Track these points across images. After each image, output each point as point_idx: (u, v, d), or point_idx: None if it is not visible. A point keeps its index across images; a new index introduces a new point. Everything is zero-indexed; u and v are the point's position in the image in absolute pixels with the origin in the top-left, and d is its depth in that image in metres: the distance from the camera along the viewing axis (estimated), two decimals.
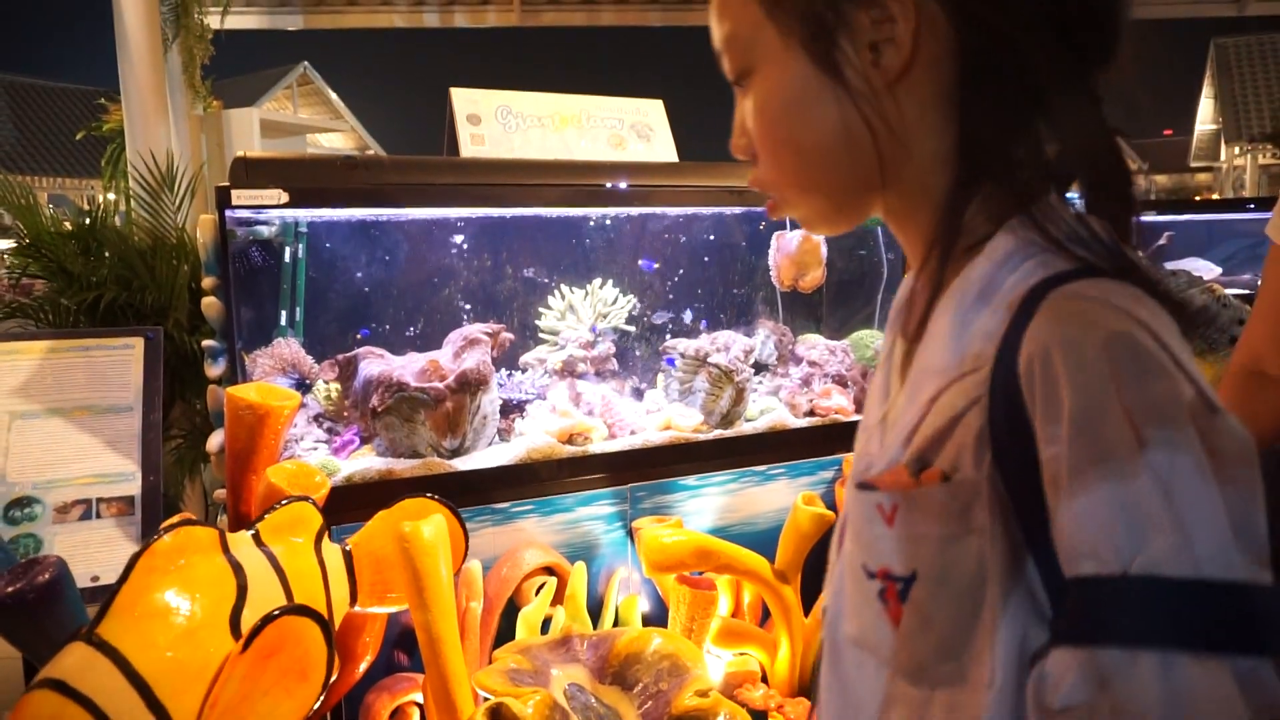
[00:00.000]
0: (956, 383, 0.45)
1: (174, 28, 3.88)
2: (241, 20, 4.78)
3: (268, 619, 0.95)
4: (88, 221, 3.39)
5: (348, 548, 1.20)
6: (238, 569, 1.02)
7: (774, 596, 1.51)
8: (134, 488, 1.42)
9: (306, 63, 15.00)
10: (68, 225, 3.44)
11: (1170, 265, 5.14)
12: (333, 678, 1.01)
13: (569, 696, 1.22)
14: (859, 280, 1.99)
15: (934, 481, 0.45)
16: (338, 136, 14.81)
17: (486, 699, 1.15)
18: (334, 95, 15.46)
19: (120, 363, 1.53)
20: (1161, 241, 4.84)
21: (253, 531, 1.10)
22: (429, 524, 1.11)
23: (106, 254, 3.45)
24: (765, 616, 1.63)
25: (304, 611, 0.98)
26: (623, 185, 1.59)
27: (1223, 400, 0.40)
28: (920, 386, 0.48)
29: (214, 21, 4.07)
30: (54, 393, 1.48)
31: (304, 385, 1.63)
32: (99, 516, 1.39)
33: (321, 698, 1.00)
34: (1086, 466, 0.39)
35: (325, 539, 1.18)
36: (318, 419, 1.61)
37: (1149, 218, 4.77)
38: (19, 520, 1.34)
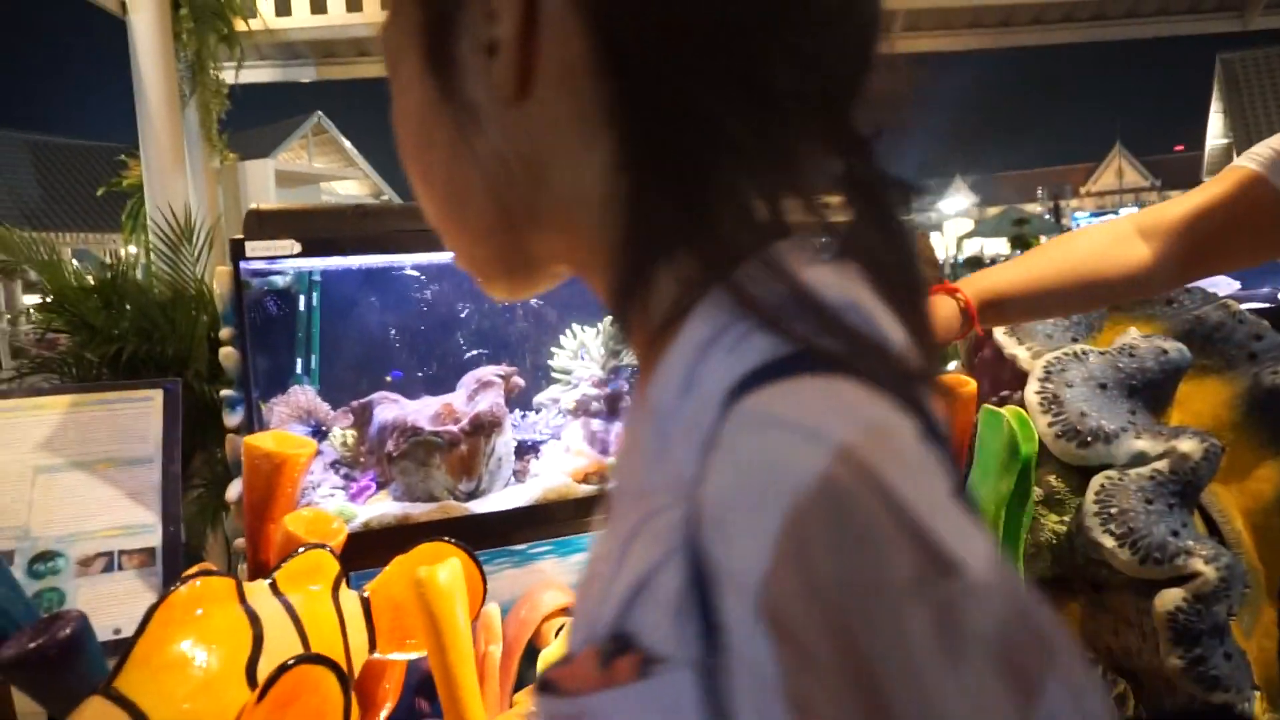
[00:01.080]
0: (651, 520, 0.33)
1: (191, 84, 3.99)
2: (255, 74, 4.90)
3: (283, 668, 0.95)
4: (109, 275, 3.46)
5: (365, 594, 1.20)
6: (254, 619, 1.02)
7: None
8: (155, 539, 1.44)
9: (320, 112, 15.32)
10: (90, 280, 3.52)
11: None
12: None
13: None
14: None
15: (627, 678, 0.31)
16: (352, 184, 15.08)
17: None
18: (347, 143, 15.75)
19: (141, 415, 1.55)
20: None
21: (270, 580, 1.10)
22: (445, 569, 1.11)
23: (128, 307, 3.52)
24: None
25: (319, 660, 0.98)
26: None
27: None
28: (619, 518, 0.37)
29: (229, 76, 4.17)
30: (77, 446, 1.50)
31: (320, 432, 1.64)
32: (121, 569, 1.40)
33: None
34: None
35: (343, 586, 1.18)
36: (334, 465, 1.62)
37: None
38: (43, 574, 1.35)
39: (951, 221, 31.86)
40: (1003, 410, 1.47)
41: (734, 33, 0.35)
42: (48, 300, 3.34)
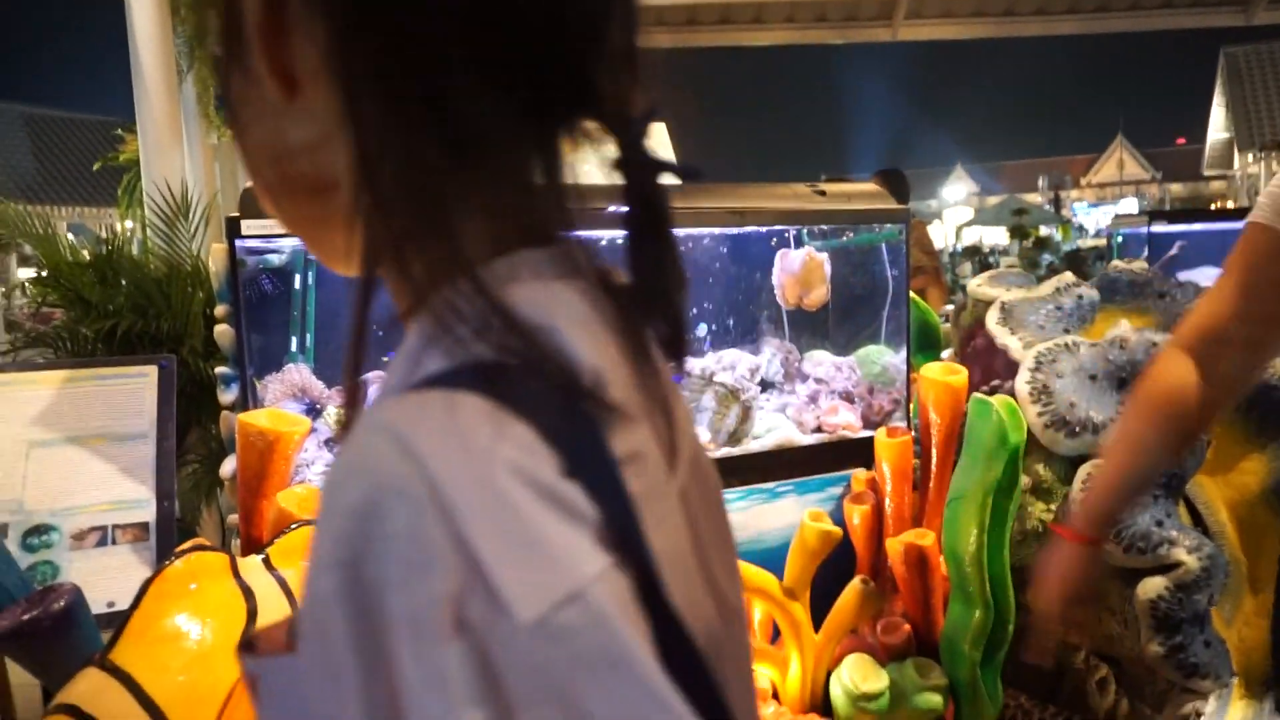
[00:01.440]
0: None
1: (188, 59, 3.96)
2: None
3: None
4: (105, 250, 3.45)
5: None
6: (248, 593, 1.03)
7: (783, 614, 1.51)
8: (149, 514, 1.45)
9: None
10: (85, 255, 3.51)
11: (1183, 275, 5.12)
12: None
13: None
14: (864, 296, 2.00)
15: (290, 648, 0.33)
16: None
17: None
18: None
19: (135, 391, 1.56)
20: (1173, 252, 4.82)
21: (263, 556, 1.12)
22: None
23: (123, 282, 3.51)
24: (776, 634, 1.64)
25: None
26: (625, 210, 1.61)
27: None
28: None
29: None
30: (71, 421, 1.51)
31: (315, 410, 1.65)
32: (115, 543, 1.41)
33: None
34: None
35: None
36: (328, 443, 1.63)
37: (1160, 228, 4.76)
38: (36, 547, 1.36)
39: (952, 210, 31.82)
40: (992, 400, 1.48)
41: (453, 37, 0.36)
42: (43, 274, 3.33)
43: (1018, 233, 14.97)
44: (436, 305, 0.35)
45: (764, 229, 1.87)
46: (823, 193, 1.80)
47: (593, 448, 0.33)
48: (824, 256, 1.85)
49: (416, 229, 0.36)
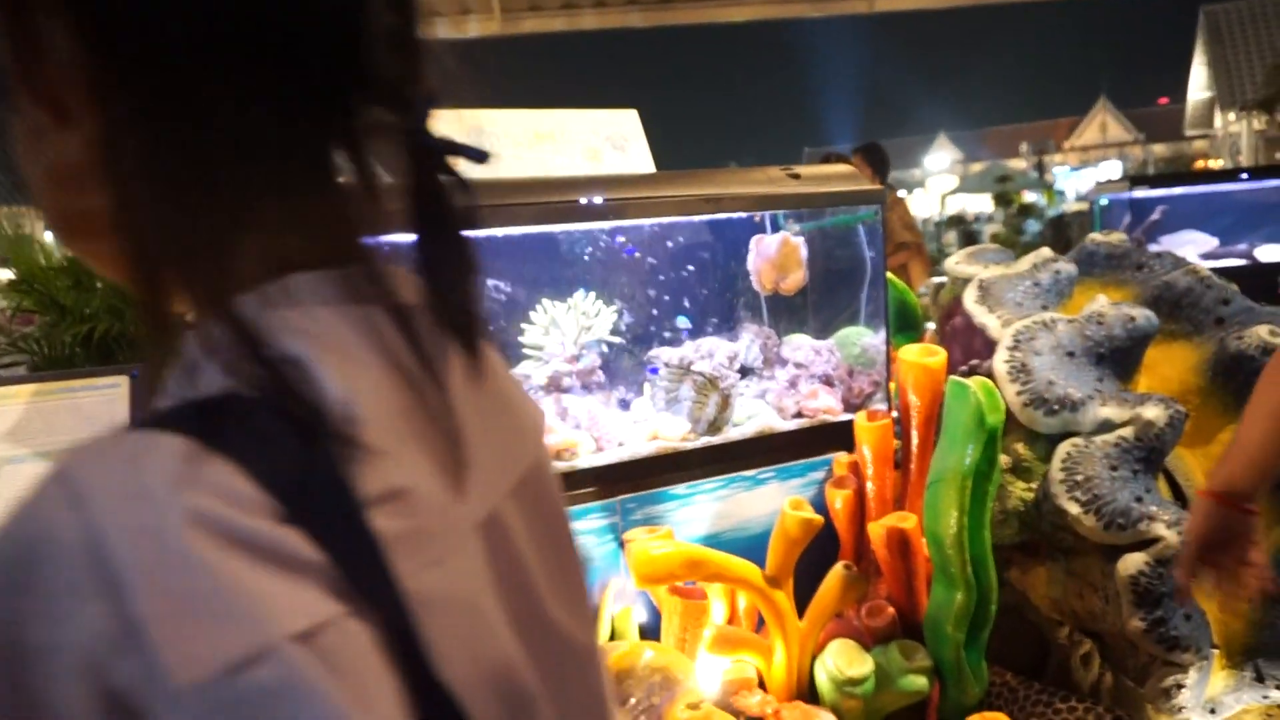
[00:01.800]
0: None
1: None
2: None
3: None
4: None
5: None
6: None
7: (766, 602, 1.51)
8: None
9: None
10: (60, 259, 3.46)
11: (1166, 238, 5.12)
12: None
13: None
14: (842, 278, 2.00)
15: None
16: None
17: None
18: None
19: (106, 402, 1.54)
20: (1155, 216, 4.82)
21: None
22: None
23: (99, 285, 3.47)
24: (761, 622, 1.64)
25: None
26: (597, 199, 1.60)
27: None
28: None
29: None
30: (43, 435, 1.49)
31: None
32: None
33: None
34: None
35: None
36: None
37: (1142, 193, 4.76)
38: None
39: (935, 178, 31.76)
40: (969, 381, 1.48)
41: (201, 46, 0.35)
42: (15, 280, 3.28)
43: (1001, 200, 14.96)
44: (197, 335, 0.34)
45: (737, 215, 1.86)
46: (796, 176, 1.78)
47: (326, 488, 0.31)
48: (800, 240, 1.83)
49: (177, 253, 0.35)
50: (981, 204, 20.70)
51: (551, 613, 0.40)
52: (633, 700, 1.25)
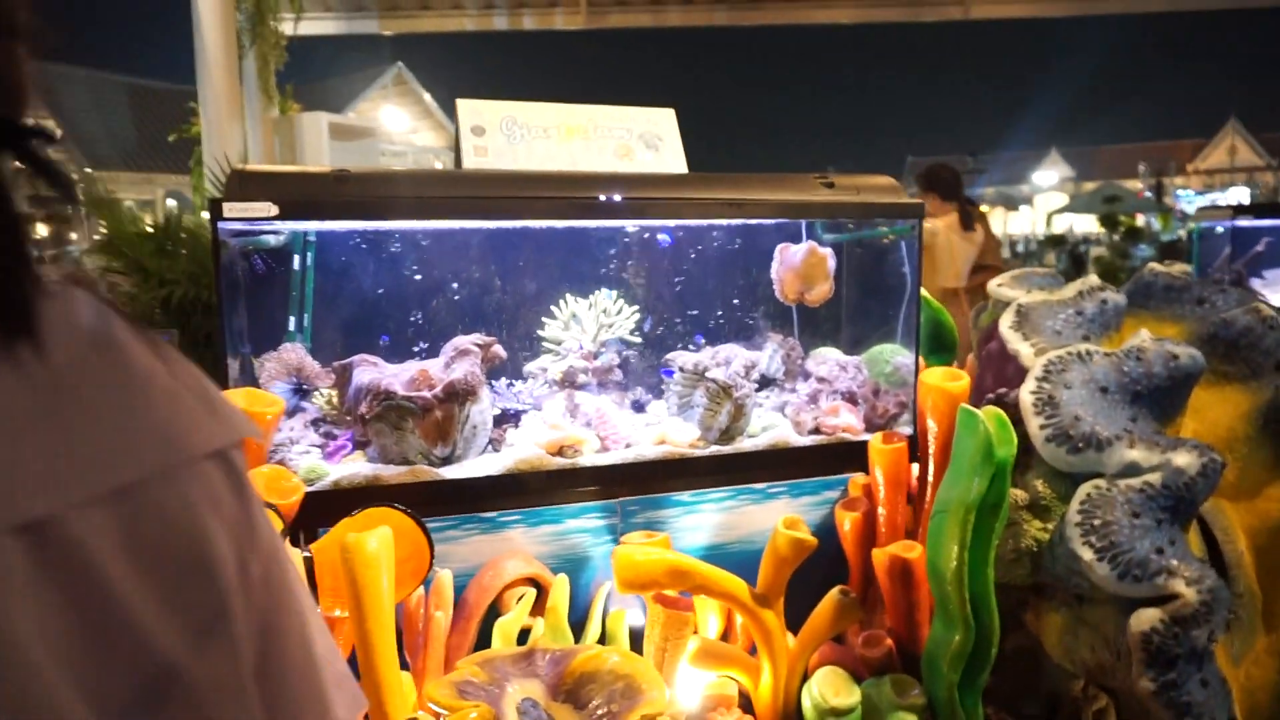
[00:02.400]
0: None
1: (250, 36, 4.07)
2: (319, 26, 4.97)
3: None
4: (164, 221, 3.59)
5: (308, 554, 1.23)
6: None
7: (753, 620, 1.48)
8: None
9: (401, 64, 15.47)
10: (147, 224, 3.65)
11: (1272, 273, 4.78)
12: None
13: (521, 712, 1.22)
14: (876, 293, 1.93)
15: None
16: (429, 135, 15.24)
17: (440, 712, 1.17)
18: (427, 96, 15.90)
19: None
20: (1259, 249, 4.51)
21: None
22: (374, 536, 1.13)
23: (182, 252, 3.64)
24: None
25: None
26: (617, 197, 1.58)
27: None
28: None
29: (289, 28, 4.24)
30: None
31: (304, 390, 1.68)
32: None
33: None
34: None
35: (285, 543, 1.21)
36: (316, 423, 1.66)
37: (1246, 222, 4.45)
38: None
39: (1043, 195, 30.53)
40: (979, 410, 1.41)
41: None
42: (104, 241, 3.48)
43: (1108, 221, 14.23)
44: None
45: (770, 221, 1.81)
46: (830, 184, 1.73)
47: None
48: (828, 251, 1.78)
49: None
50: (1091, 224, 19.77)
51: (150, 641, 0.37)
52: (592, 704, 1.23)
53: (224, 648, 0.40)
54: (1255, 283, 4.65)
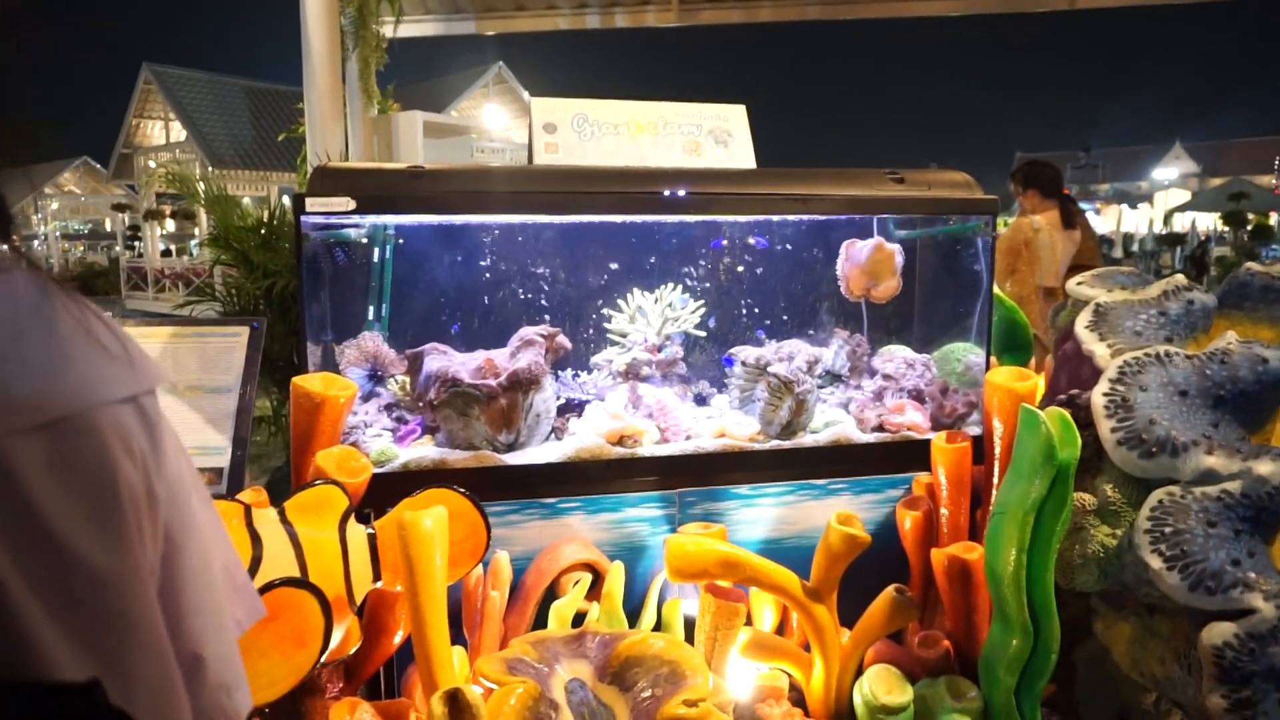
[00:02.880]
0: None
1: (353, 38, 4.25)
2: (419, 28, 5.15)
3: (265, 587, 1.06)
4: (268, 216, 3.79)
5: (371, 531, 1.30)
6: (256, 540, 1.14)
7: (804, 614, 1.48)
8: (223, 460, 1.61)
9: (501, 63, 15.82)
10: (253, 219, 3.87)
11: None
12: (329, 647, 1.11)
13: (569, 691, 1.26)
14: (948, 291, 1.89)
15: None
16: (527, 132, 15.51)
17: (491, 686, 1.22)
18: (526, 94, 16.21)
19: (227, 349, 1.73)
20: None
21: (280, 510, 1.22)
22: (429, 515, 1.19)
23: (286, 246, 3.84)
24: None
25: (300, 584, 1.08)
26: (681, 192, 1.60)
27: None
28: None
29: (389, 30, 4.41)
30: (173, 373, 1.69)
31: (379, 377, 1.77)
32: None
33: (320, 662, 1.10)
34: None
35: (352, 520, 1.28)
36: (388, 408, 1.74)
37: None
38: None
39: (1164, 192, 28.87)
40: (1040, 411, 1.37)
41: None
42: (215, 235, 3.71)
43: (1233, 219, 13.34)
44: None
45: (838, 216, 1.80)
46: (900, 180, 1.71)
47: None
48: (896, 248, 1.75)
49: None
50: (1215, 223, 18.58)
51: (67, 540, 0.46)
52: (637, 686, 1.26)
53: (127, 550, 0.49)
54: None
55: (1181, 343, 1.63)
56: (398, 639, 1.43)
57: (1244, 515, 1.35)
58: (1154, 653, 1.45)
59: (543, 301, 1.91)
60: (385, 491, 1.50)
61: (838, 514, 1.46)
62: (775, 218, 1.88)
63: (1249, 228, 12.52)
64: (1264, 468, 1.34)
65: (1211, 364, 1.49)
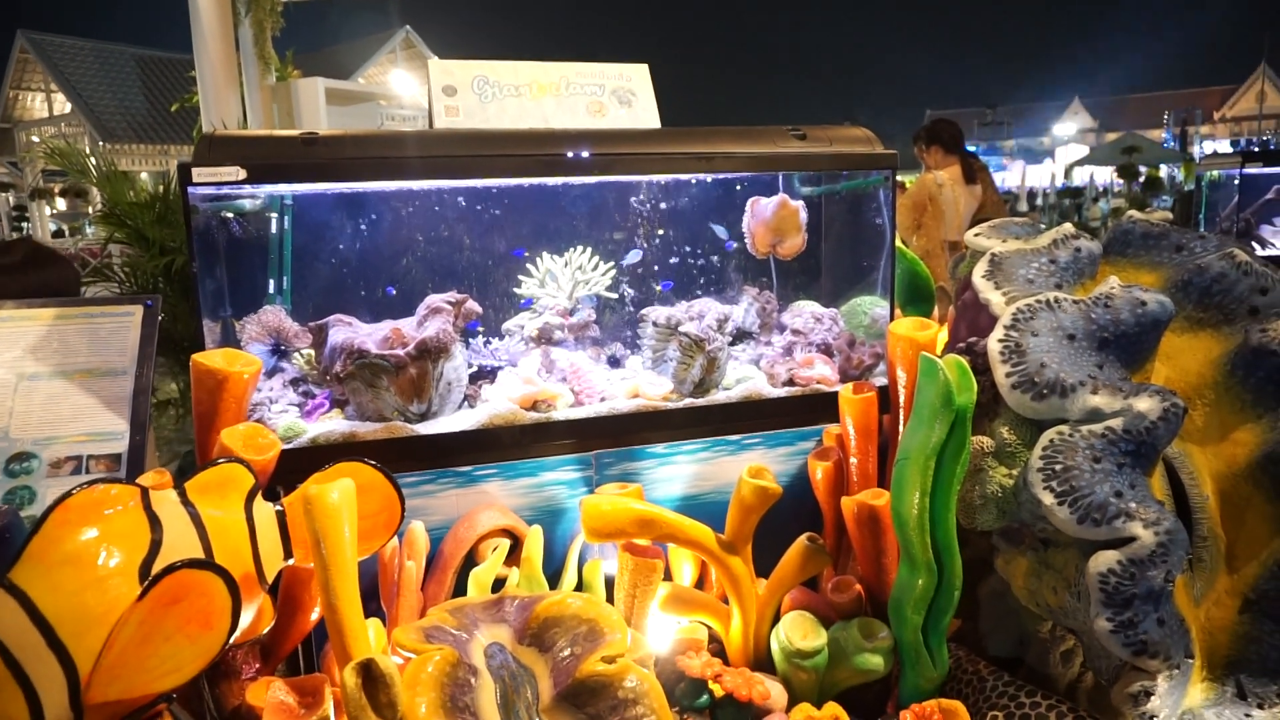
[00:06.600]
0: None
1: (246, 2, 4.06)
2: None
3: (167, 570, 1.03)
4: (161, 190, 3.62)
5: (280, 508, 1.28)
6: (155, 523, 1.10)
7: (720, 567, 1.51)
8: (122, 445, 1.55)
9: (408, 27, 15.35)
10: (146, 194, 3.69)
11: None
12: (238, 628, 1.09)
13: (488, 655, 1.26)
14: (852, 246, 1.93)
15: None
16: None
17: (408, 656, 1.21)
18: (435, 59, 15.78)
19: (120, 329, 1.65)
20: (1269, 196, 4.44)
21: (180, 490, 1.18)
22: (335, 488, 1.17)
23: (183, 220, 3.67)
24: None
25: (203, 565, 1.05)
26: (585, 153, 1.59)
27: None
28: None
29: None
30: (60, 356, 1.61)
31: (284, 351, 1.72)
32: (88, 471, 1.52)
33: (227, 645, 1.08)
34: None
35: (258, 499, 1.25)
36: (294, 383, 1.70)
37: (1255, 169, 4.38)
38: (17, 473, 1.48)
39: (1065, 147, 29.96)
40: (938, 359, 1.42)
41: None
42: (105, 212, 3.52)
43: (1126, 172, 13.96)
44: None
45: (741, 174, 1.82)
46: (803, 136, 1.73)
47: None
48: (799, 204, 1.78)
49: None
50: (1109, 176, 19.41)
51: None
52: (555, 646, 1.28)
53: None
54: (1266, 230, 4.57)
55: (1070, 288, 1.70)
56: (313, 616, 1.41)
57: (1125, 450, 1.43)
58: (1048, 584, 1.54)
59: (450, 269, 1.88)
60: (295, 468, 1.46)
61: (749, 467, 1.50)
62: (682, 177, 1.88)
63: (1141, 180, 13.13)
64: (1142, 404, 1.42)
65: (1097, 308, 1.56)
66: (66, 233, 17.97)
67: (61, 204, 18.24)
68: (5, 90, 15.85)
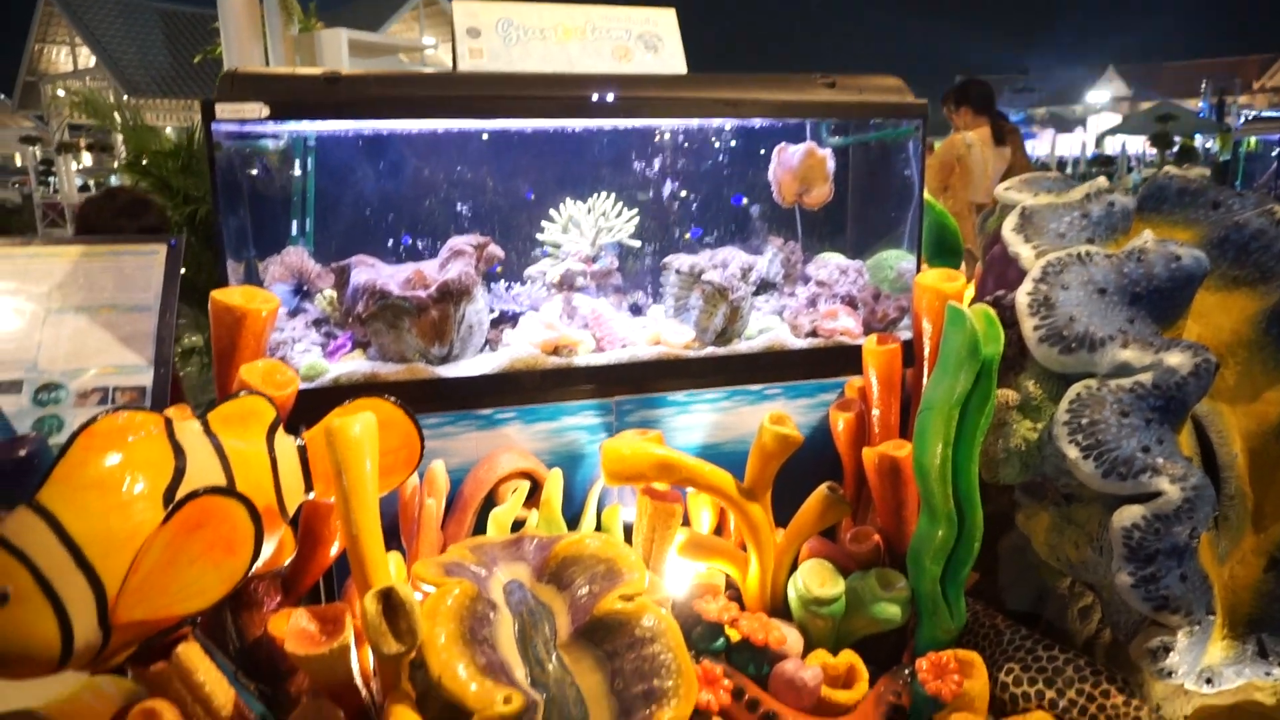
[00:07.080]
0: None
1: None
2: None
3: (190, 496, 1.04)
4: (187, 139, 3.62)
5: (301, 442, 1.28)
6: (179, 451, 1.11)
7: (740, 514, 1.51)
8: (146, 379, 1.56)
9: None
10: (170, 144, 3.70)
11: None
12: (260, 555, 1.10)
13: (507, 591, 1.27)
14: (881, 197, 1.90)
15: None
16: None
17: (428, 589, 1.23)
18: None
19: (144, 267, 1.66)
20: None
21: (203, 421, 1.19)
22: (357, 420, 1.17)
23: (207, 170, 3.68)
24: None
25: (226, 492, 1.06)
26: (610, 97, 1.57)
27: None
28: None
29: None
30: (86, 292, 1.62)
31: (306, 291, 1.72)
32: (114, 402, 1.53)
33: (249, 572, 1.09)
34: None
35: (279, 432, 1.26)
36: (316, 324, 1.70)
37: (1270, 133, 4.25)
38: (45, 403, 1.50)
39: (1097, 116, 29.35)
40: (965, 309, 1.40)
41: None
42: (130, 160, 3.54)
43: (1160, 141, 13.64)
44: None
45: (770, 122, 1.78)
46: (832, 84, 1.70)
47: None
48: (827, 153, 1.75)
49: None
50: (1145, 146, 18.99)
51: None
52: (573, 584, 1.28)
53: None
54: None
55: (1102, 243, 1.67)
56: (334, 550, 1.42)
57: (1154, 405, 1.40)
58: (1070, 539, 1.52)
59: (473, 212, 1.87)
60: (316, 406, 1.47)
61: (771, 414, 1.49)
62: (708, 123, 1.86)
63: (1175, 150, 12.84)
64: (1173, 359, 1.39)
65: (1129, 262, 1.53)
66: (92, 187, 18.08)
67: (88, 159, 18.36)
68: (30, 43, 15.90)
